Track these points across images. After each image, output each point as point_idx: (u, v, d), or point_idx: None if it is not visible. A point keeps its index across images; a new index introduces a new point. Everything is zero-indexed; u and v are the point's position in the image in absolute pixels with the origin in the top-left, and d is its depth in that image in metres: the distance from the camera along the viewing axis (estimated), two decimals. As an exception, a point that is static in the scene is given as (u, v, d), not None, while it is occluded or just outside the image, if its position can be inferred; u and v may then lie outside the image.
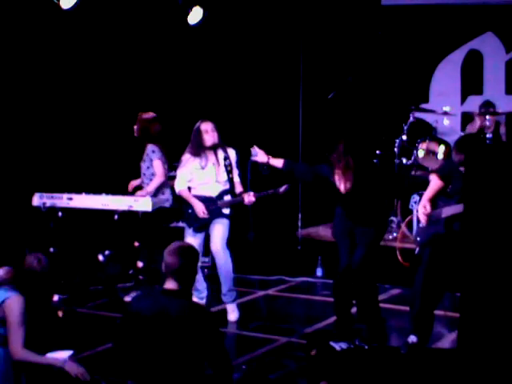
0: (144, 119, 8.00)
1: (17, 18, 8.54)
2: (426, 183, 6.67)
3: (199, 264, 7.54)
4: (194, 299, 7.69)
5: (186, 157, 7.44)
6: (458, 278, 6.11)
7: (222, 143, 7.41)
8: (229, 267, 7.41)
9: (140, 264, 7.88)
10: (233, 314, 7.42)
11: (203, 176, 7.39)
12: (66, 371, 4.81)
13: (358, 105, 10.17)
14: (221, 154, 7.40)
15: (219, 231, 7.39)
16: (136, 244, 7.93)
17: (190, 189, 7.52)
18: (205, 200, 7.40)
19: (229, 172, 7.39)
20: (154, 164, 7.92)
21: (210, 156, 7.37)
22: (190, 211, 7.47)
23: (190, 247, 4.57)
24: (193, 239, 7.46)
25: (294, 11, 10.23)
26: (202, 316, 4.39)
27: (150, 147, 7.94)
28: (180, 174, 7.49)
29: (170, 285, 4.41)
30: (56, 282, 4.90)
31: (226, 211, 7.44)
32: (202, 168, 7.36)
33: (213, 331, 4.38)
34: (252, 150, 7.19)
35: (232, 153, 7.48)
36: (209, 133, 7.31)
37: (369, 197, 6.58)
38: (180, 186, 7.50)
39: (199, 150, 7.35)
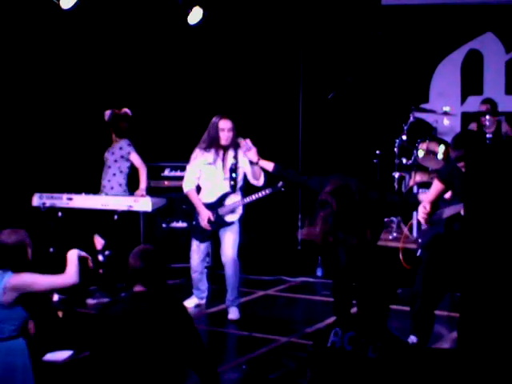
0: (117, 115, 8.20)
1: (17, 17, 8.54)
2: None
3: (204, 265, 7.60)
4: (194, 299, 7.70)
5: (196, 152, 7.43)
6: (458, 278, 6.12)
7: (237, 143, 7.37)
8: (237, 278, 7.40)
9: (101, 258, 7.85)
10: (233, 314, 7.41)
11: (211, 172, 7.35)
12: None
13: (358, 105, 10.16)
14: (231, 152, 7.35)
15: (229, 240, 7.35)
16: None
17: (198, 191, 7.49)
18: (206, 207, 7.38)
19: (232, 171, 7.33)
20: (132, 157, 7.98)
21: (220, 153, 7.33)
22: (194, 223, 7.44)
23: (153, 250, 4.41)
24: (198, 245, 7.48)
25: (294, 11, 10.22)
26: (174, 312, 4.27)
27: (125, 141, 8.01)
28: (189, 170, 7.46)
29: (138, 288, 4.30)
30: (32, 256, 4.79)
31: (233, 217, 7.40)
32: (211, 163, 7.33)
33: (187, 326, 4.26)
34: (245, 142, 7.21)
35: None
36: (225, 132, 7.27)
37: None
38: (188, 185, 7.45)
39: (212, 144, 7.32)
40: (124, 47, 9.52)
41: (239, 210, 7.41)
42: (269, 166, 7.16)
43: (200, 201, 7.39)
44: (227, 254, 7.32)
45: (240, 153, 7.38)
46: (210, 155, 7.33)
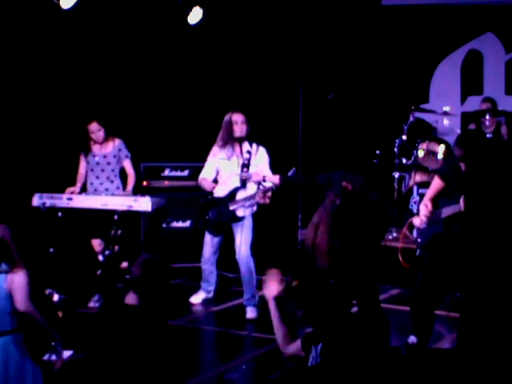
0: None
1: (17, 18, 8.54)
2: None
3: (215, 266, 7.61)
4: (202, 294, 7.72)
5: (214, 150, 7.49)
6: (458, 278, 6.12)
7: (251, 141, 7.41)
8: (251, 276, 7.43)
9: (124, 264, 7.84)
10: (250, 314, 7.42)
11: (228, 167, 7.40)
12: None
13: (358, 105, 10.16)
14: (245, 147, 7.39)
15: (241, 238, 7.37)
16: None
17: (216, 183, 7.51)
18: (218, 202, 7.40)
19: (244, 166, 7.35)
20: (125, 163, 7.95)
21: (236, 148, 7.37)
22: (207, 217, 7.47)
23: (156, 259, 4.32)
24: (211, 238, 7.51)
25: (294, 11, 10.22)
26: (158, 336, 4.16)
27: (120, 143, 7.98)
28: (206, 163, 7.52)
29: (130, 300, 4.22)
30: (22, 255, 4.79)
31: (245, 212, 7.39)
32: (227, 159, 7.37)
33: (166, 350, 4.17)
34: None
35: (262, 151, 7.43)
36: (238, 124, 7.33)
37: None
38: (204, 174, 7.51)
39: (227, 140, 7.36)
40: (124, 47, 9.51)
41: (252, 206, 7.39)
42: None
43: (206, 180, 7.42)
44: (239, 253, 7.38)
45: (254, 148, 7.40)
46: (225, 151, 7.40)
